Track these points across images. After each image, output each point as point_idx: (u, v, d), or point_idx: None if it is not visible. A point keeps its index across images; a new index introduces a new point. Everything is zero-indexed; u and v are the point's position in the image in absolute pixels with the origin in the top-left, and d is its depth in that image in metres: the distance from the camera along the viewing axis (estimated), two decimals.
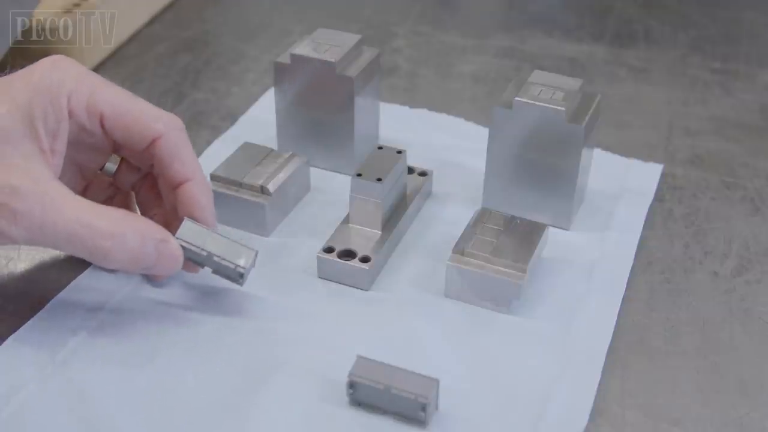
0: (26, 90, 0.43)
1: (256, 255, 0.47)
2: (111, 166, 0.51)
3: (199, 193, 0.47)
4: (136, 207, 0.51)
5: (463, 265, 0.48)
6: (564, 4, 0.87)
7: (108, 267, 0.45)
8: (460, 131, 0.64)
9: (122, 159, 0.50)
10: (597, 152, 0.59)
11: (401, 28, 0.80)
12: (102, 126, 0.45)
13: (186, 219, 0.46)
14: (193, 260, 0.46)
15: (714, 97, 0.70)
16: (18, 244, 0.42)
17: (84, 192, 0.50)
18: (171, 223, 0.48)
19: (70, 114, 0.44)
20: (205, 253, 0.46)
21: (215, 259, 0.46)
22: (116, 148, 0.48)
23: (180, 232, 0.45)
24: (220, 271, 0.46)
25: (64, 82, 0.44)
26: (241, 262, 0.46)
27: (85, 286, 0.49)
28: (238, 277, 0.46)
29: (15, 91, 0.43)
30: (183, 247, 0.45)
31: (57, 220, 0.41)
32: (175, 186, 0.47)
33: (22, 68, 0.45)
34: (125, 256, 0.43)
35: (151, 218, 0.48)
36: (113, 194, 0.51)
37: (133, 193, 0.51)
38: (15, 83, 0.43)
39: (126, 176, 0.50)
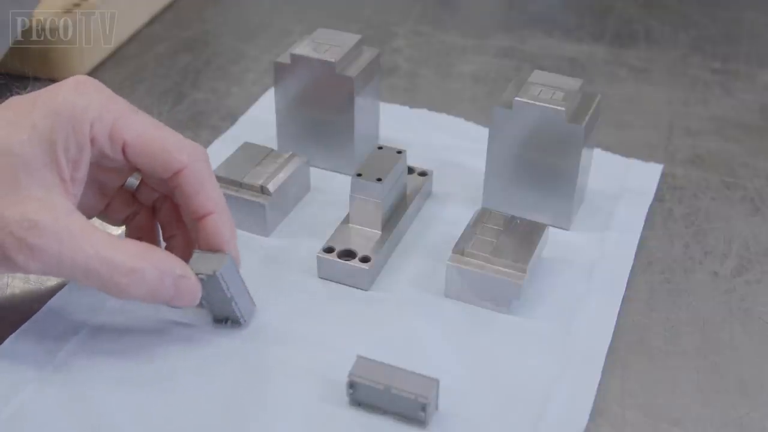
0: (48, 115, 0.41)
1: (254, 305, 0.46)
2: (133, 180, 0.49)
3: (223, 226, 0.45)
4: (158, 226, 0.50)
5: (463, 265, 0.48)
6: (564, 4, 0.87)
7: (123, 299, 0.44)
8: (460, 131, 0.64)
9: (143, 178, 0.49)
10: (597, 152, 0.59)
11: (401, 28, 0.80)
12: (124, 153, 0.44)
13: (196, 250, 0.45)
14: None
15: (714, 97, 0.70)
16: (33, 274, 0.41)
17: (106, 209, 0.48)
18: (193, 244, 0.47)
19: (92, 142, 0.42)
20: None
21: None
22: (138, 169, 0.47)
23: (191, 262, 0.45)
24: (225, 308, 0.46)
25: (87, 108, 0.42)
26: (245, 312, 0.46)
27: (84, 285, 0.49)
28: (236, 320, 0.46)
29: (36, 116, 0.41)
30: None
31: (75, 256, 0.40)
32: (198, 217, 0.45)
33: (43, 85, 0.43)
34: (143, 291, 0.42)
35: (172, 238, 0.48)
36: (136, 210, 0.49)
37: (153, 210, 0.50)
38: (37, 106, 0.42)
39: (148, 193, 0.49)
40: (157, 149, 0.44)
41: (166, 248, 0.48)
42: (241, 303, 0.45)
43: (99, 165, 0.45)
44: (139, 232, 0.49)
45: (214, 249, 0.45)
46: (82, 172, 0.43)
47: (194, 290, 0.44)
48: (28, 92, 0.44)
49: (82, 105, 0.42)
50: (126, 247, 0.42)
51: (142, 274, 0.42)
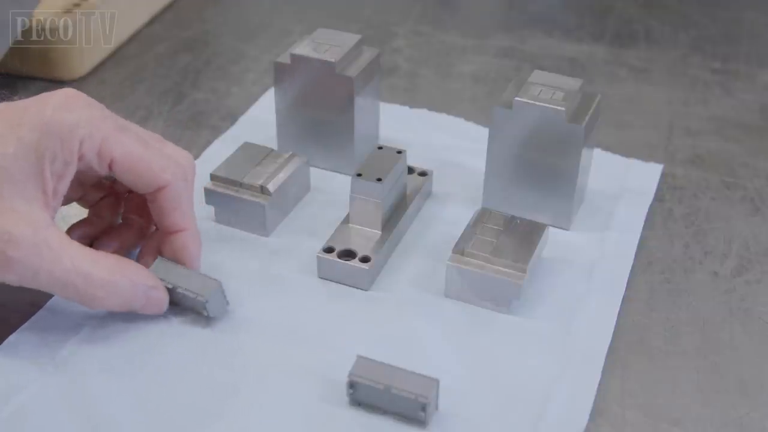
0: (36, 129, 0.42)
1: (220, 286, 0.47)
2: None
3: (192, 244, 0.47)
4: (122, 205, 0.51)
5: (463, 265, 0.48)
6: (564, 4, 0.87)
7: (96, 309, 0.46)
8: (460, 131, 0.64)
9: None
10: (597, 152, 0.59)
11: (401, 28, 0.80)
12: (110, 169, 0.45)
13: (159, 258, 0.47)
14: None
15: (714, 97, 0.70)
16: (9, 284, 0.42)
17: (82, 197, 0.50)
18: (147, 231, 0.50)
19: (80, 158, 0.43)
20: (170, 287, 0.46)
21: (178, 290, 0.46)
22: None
23: (153, 267, 0.47)
24: (186, 302, 0.47)
25: (77, 125, 0.42)
26: (204, 293, 0.46)
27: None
28: (202, 308, 0.46)
29: (24, 129, 0.42)
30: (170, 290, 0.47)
31: (53, 269, 0.42)
32: (170, 232, 0.47)
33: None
34: (116, 301, 0.44)
35: (130, 220, 0.50)
36: (106, 194, 0.51)
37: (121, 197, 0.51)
38: (26, 118, 0.42)
39: (123, 187, 0.50)
40: (143, 168, 0.45)
41: (121, 226, 0.51)
42: (193, 288, 0.46)
43: (83, 173, 0.45)
44: (102, 211, 0.50)
45: (178, 260, 0.47)
46: (65, 185, 0.43)
47: (163, 299, 0.46)
48: (19, 98, 0.44)
49: (71, 121, 0.43)
50: (101, 261, 0.44)
51: (116, 286, 0.44)
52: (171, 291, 0.46)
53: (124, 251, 0.49)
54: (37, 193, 0.42)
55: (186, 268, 0.47)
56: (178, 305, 0.47)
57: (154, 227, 0.50)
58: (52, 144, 0.42)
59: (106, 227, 0.50)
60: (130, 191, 0.50)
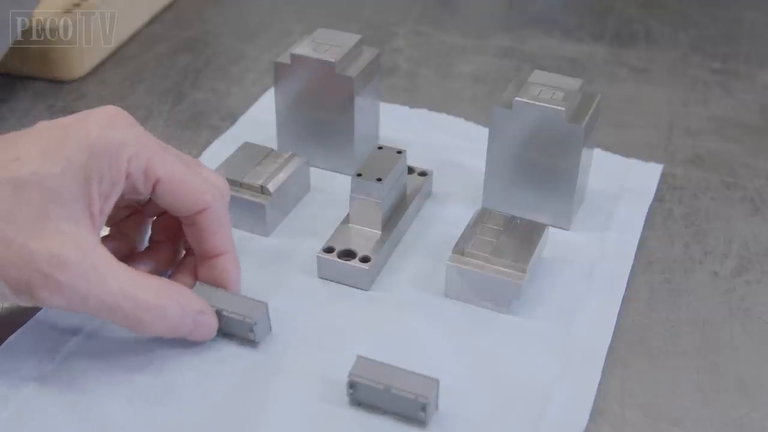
0: (83, 148, 0.41)
1: (267, 308, 0.46)
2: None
3: (232, 267, 0.46)
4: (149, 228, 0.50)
5: (463, 265, 0.48)
6: (564, 4, 0.87)
7: (144, 335, 0.44)
8: (460, 131, 0.64)
9: None
10: (597, 152, 0.59)
11: (401, 28, 0.80)
12: (153, 189, 0.44)
13: (199, 282, 0.46)
14: None
15: (714, 97, 0.70)
16: (58, 309, 0.41)
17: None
18: (178, 257, 0.49)
19: (127, 177, 0.42)
20: (216, 310, 0.45)
21: (224, 314, 0.45)
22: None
23: (196, 291, 0.45)
24: (230, 327, 0.46)
25: (125, 144, 0.42)
26: (253, 315, 0.45)
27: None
28: (248, 330, 0.45)
29: (70, 149, 0.41)
30: None
31: (101, 294, 0.40)
32: (210, 256, 0.46)
33: (69, 113, 0.43)
34: (164, 326, 0.43)
35: (160, 244, 0.49)
36: (131, 213, 0.49)
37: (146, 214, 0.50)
38: (70, 138, 0.41)
39: (155, 208, 0.49)
40: (186, 190, 0.44)
41: (149, 249, 0.49)
42: (239, 310, 0.45)
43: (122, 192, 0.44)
44: (127, 230, 0.49)
45: (217, 285, 0.46)
46: (110, 205, 0.42)
47: (212, 324, 0.45)
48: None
49: (118, 140, 0.42)
50: (150, 284, 0.42)
51: (164, 310, 0.42)
52: (216, 315, 0.45)
53: (157, 275, 0.48)
54: (85, 214, 0.41)
55: (228, 291, 0.46)
56: (219, 331, 0.46)
57: (184, 252, 0.49)
58: (100, 163, 0.41)
59: (133, 248, 0.49)
60: (160, 214, 0.49)
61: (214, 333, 0.45)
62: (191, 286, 0.46)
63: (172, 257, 0.49)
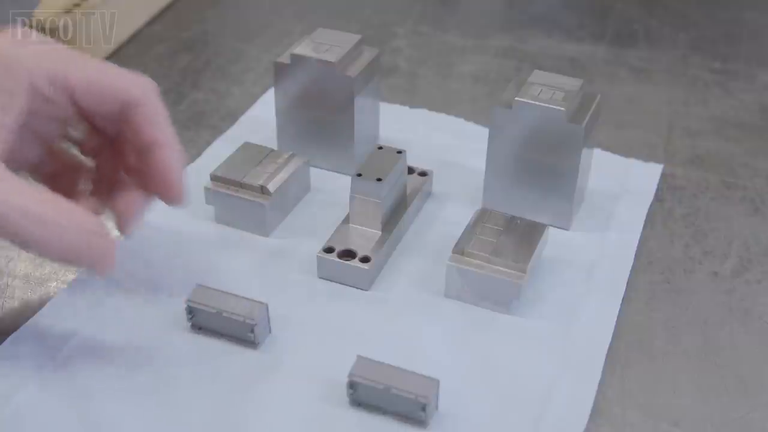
0: None
1: (267, 309, 0.46)
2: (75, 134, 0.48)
3: (172, 159, 0.44)
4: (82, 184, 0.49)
5: (463, 265, 0.48)
6: (564, 4, 0.87)
7: (38, 255, 0.43)
8: (460, 131, 0.64)
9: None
10: (597, 152, 0.59)
11: (401, 28, 0.80)
12: (70, 96, 0.43)
13: (197, 285, 0.46)
14: (205, 325, 0.46)
15: (714, 97, 0.70)
16: None
17: (40, 164, 0.47)
18: (123, 198, 0.46)
19: (32, 87, 0.41)
20: (214, 311, 0.45)
21: (224, 314, 0.45)
22: (81, 116, 0.45)
23: (191, 294, 0.45)
24: (229, 328, 0.45)
25: (23, 56, 0.41)
26: (253, 315, 0.44)
27: (85, 285, 0.49)
28: (248, 332, 0.45)
29: None
30: (193, 308, 0.45)
31: None
32: (149, 149, 0.44)
33: None
34: (56, 245, 0.40)
35: (117, 189, 0.47)
36: (65, 168, 0.48)
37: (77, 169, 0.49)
38: None
39: (92, 141, 0.48)
40: (106, 86, 0.43)
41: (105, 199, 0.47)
42: (238, 311, 0.45)
43: (38, 113, 0.43)
44: (60, 187, 0.47)
45: (158, 181, 0.44)
46: (11, 119, 0.41)
47: (107, 249, 0.42)
48: None
49: (15, 52, 0.42)
50: (40, 197, 0.40)
51: (56, 226, 0.40)
52: (215, 316, 0.45)
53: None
54: None
55: (227, 292, 0.45)
56: (220, 333, 0.46)
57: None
58: None
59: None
60: (98, 154, 0.48)
61: (113, 262, 0.42)
62: (98, 214, 0.44)
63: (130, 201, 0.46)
